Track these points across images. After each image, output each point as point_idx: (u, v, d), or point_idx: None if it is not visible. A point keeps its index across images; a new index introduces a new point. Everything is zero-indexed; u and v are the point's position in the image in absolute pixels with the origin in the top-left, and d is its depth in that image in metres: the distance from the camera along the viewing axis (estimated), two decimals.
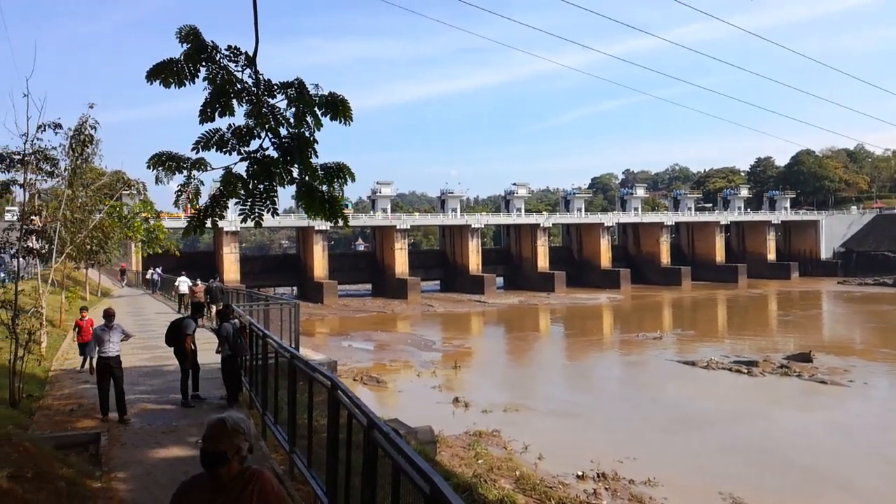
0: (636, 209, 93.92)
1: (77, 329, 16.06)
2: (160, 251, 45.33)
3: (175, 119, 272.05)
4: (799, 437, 21.92)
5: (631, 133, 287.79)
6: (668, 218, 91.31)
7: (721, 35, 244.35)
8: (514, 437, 20.61)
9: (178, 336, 12.23)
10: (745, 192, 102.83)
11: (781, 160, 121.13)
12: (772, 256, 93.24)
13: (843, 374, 31.56)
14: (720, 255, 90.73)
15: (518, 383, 32.19)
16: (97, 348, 11.30)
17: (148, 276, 45.25)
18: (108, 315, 11.57)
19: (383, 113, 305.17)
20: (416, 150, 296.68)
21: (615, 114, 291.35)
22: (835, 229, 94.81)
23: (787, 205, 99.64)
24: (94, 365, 11.41)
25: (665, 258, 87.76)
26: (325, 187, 5.80)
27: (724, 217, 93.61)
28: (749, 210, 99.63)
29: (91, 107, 19.22)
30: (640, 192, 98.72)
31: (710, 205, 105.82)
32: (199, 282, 26.84)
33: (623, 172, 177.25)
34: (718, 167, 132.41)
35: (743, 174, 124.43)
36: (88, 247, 26.97)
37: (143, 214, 40.44)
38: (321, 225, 69.06)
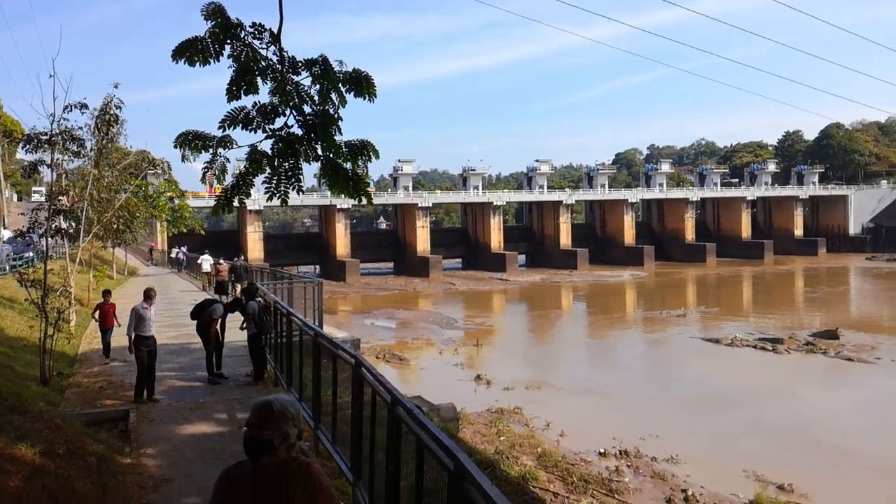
0: (661, 185, 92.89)
1: (98, 313, 14.66)
2: (185, 230, 45.91)
3: (200, 99, 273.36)
4: (826, 416, 21.73)
5: (656, 108, 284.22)
6: (694, 193, 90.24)
7: (748, 6, 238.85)
8: (536, 414, 20.68)
9: (203, 316, 12.34)
10: (772, 167, 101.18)
11: (810, 134, 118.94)
12: (799, 232, 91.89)
13: (871, 351, 31.15)
14: (746, 232, 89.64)
15: (540, 361, 32.23)
16: (137, 327, 11.18)
17: (172, 255, 45.84)
18: (150, 294, 11.62)
19: (407, 90, 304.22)
20: (438, 128, 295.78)
21: (640, 88, 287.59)
22: (864, 204, 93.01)
23: (816, 179, 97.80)
24: (133, 344, 11.16)
25: (690, 234, 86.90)
26: (349, 165, 5.81)
27: (751, 192, 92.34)
28: (776, 185, 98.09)
29: (116, 87, 19.41)
30: (665, 167, 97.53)
31: (737, 180, 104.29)
32: (222, 260, 27.09)
33: (648, 148, 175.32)
34: (745, 142, 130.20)
35: (770, 149, 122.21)
36: (115, 226, 27.36)
37: (168, 194, 40.90)
38: (343, 203, 69.25)
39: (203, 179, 5.66)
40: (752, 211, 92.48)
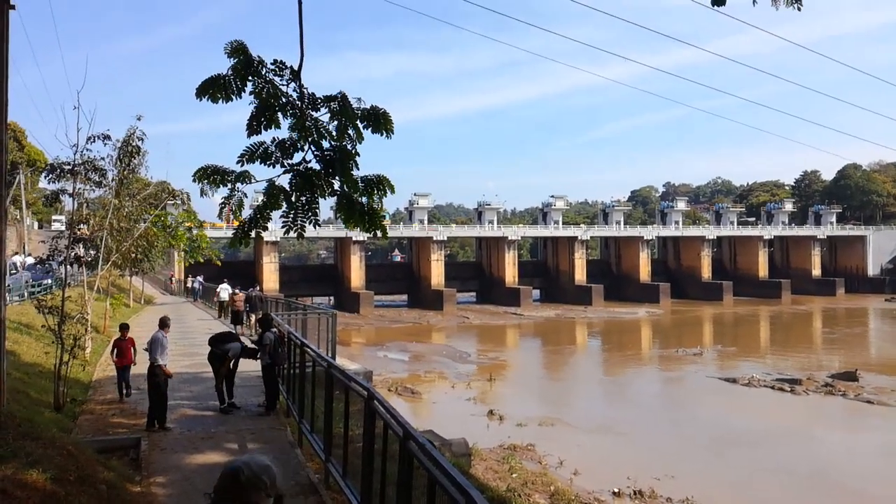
0: (677, 222, 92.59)
1: (116, 351, 13.31)
2: (202, 260, 46.22)
3: (218, 132, 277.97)
4: (845, 459, 21.26)
5: (672, 146, 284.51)
6: (710, 232, 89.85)
7: (765, 47, 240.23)
8: (549, 451, 20.41)
9: (220, 347, 12.35)
10: (789, 207, 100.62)
11: (828, 174, 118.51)
12: (817, 272, 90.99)
13: (891, 393, 30.54)
14: (763, 271, 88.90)
15: (554, 397, 31.90)
16: (161, 355, 11.29)
17: (188, 285, 46.14)
18: (166, 322, 11.98)
19: (423, 125, 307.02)
20: (454, 163, 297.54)
21: (656, 126, 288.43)
22: (883, 245, 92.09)
23: (833, 219, 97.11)
24: (160, 371, 11.21)
25: (706, 272, 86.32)
26: (364, 199, 5.88)
27: (768, 231, 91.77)
28: (793, 225, 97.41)
29: (139, 119, 19.80)
30: (681, 205, 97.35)
31: (753, 219, 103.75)
32: (238, 290, 27.24)
33: (664, 185, 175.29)
34: (762, 181, 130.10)
35: (787, 188, 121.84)
36: (133, 255, 27.62)
37: (187, 224, 41.31)
38: (359, 236, 69.61)
39: (220, 215, 5.76)
40: (769, 250, 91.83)
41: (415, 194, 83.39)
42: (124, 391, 13.19)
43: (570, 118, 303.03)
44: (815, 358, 42.52)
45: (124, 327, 13.79)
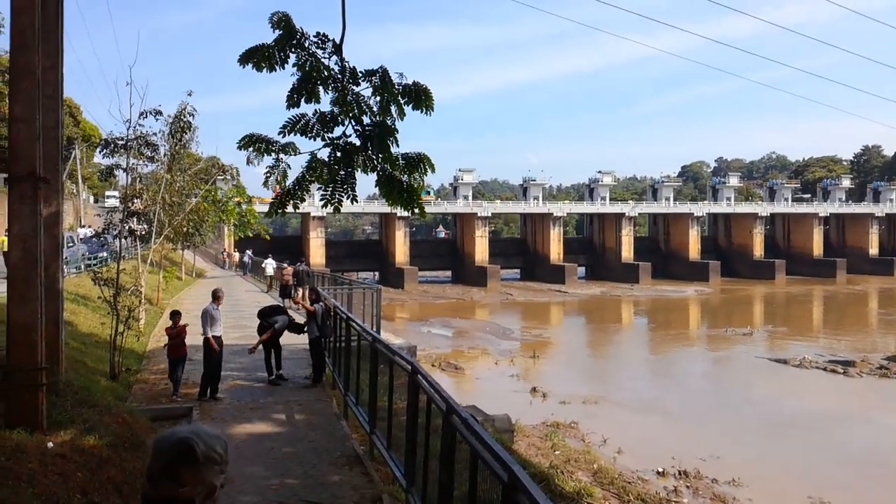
0: (728, 199, 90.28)
1: (169, 340, 11.65)
2: (251, 235, 47.06)
3: (263, 109, 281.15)
4: None
5: (725, 119, 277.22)
6: (763, 209, 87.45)
7: (821, 15, 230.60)
8: (593, 429, 20.31)
9: (268, 320, 12.58)
10: (846, 183, 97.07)
11: (890, 149, 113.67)
12: (874, 251, 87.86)
13: None
14: (818, 249, 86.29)
15: (598, 375, 31.72)
16: (212, 327, 11.37)
17: (241, 259, 47.18)
18: (218, 295, 11.86)
19: (467, 100, 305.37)
20: (499, 137, 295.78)
21: (709, 99, 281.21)
22: None
23: (893, 196, 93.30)
24: (209, 344, 11.24)
25: (758, 251, 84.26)
26: (405, 177, 5.85)
27: (823, 209, 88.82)
28: (850, 202, 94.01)
29: (189, 94, 20.15)
30: (733, 181, 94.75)
31: (809, 196, 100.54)
32: (287, 265, 27.67)
33: (715, 160, 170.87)
34: (819, 156, 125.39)
35: (845, 163, 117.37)
36: (185, 229, 28.30)
37: (237, 199, 42.05)
38: (403, 212, 69.38)
39: (266, 184, 5.81)
40: (824, 228, 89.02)
41: (459, 170, 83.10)
42: (174, 392, 11.41)
43: (619, 91, 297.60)
44: (870, 340, 41.24)
45: (175, 315, 11.90)
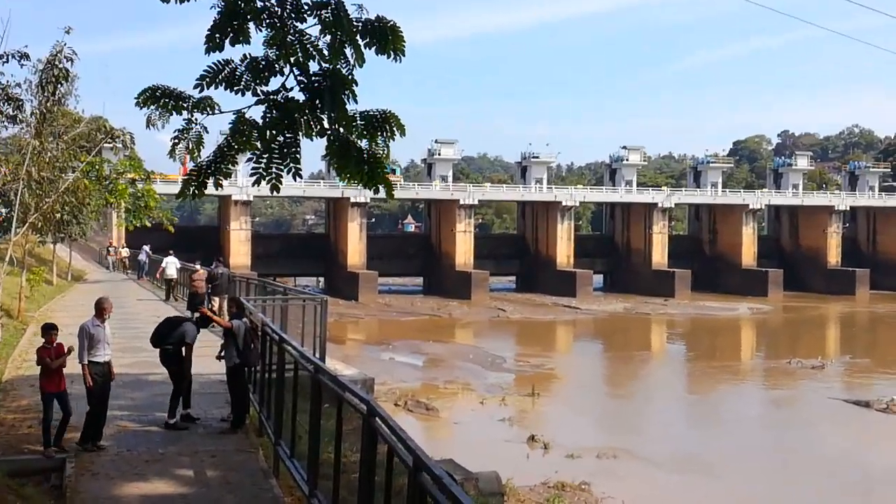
0: (795, 187, 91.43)
1: (43, 364, 10.82)
2: (149, 224, 46.61)
3: (174, 51, 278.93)
4: None
5: (792, 81, 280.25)
6: (841, 200, 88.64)
7: None
8: (611, 493, 20.43)
9: (169, 341, 12.44)
10: None
11: None
12: None
13: None
14: None
15: (618, 420, 31.88)
16: (90, 350, 11.02)
17: (124, 257, 46.78)
18: (103, 307, 11.41)
19: (450, 47, 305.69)
20: (490, 101, 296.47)
21: (770, 54, 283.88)
22: None
23: None
24: (88, 372, 10.90)
25: (834, 256, 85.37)
26: (364, 143, 5.84)
27: None
28: None
29: (67, 32, 19.84)
30: (802, 162, 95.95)
31: None
32: (199, 266, 27.44)
33: (779, 135, 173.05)
34: None
35: None
36: (59, 215, 27.90)
37: (130, 175, 41.61)
38: (358, 196, 69.84)
39: (172, 153, 5.73)
40: None
41: (436, 141, 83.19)
42: (48, 442, 10.68)
43: (651, 42, 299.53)
44: None
45: (50, 330, 11.08)
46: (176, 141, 5.73)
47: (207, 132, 5.71)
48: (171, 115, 5.57)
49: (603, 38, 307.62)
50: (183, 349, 12.32)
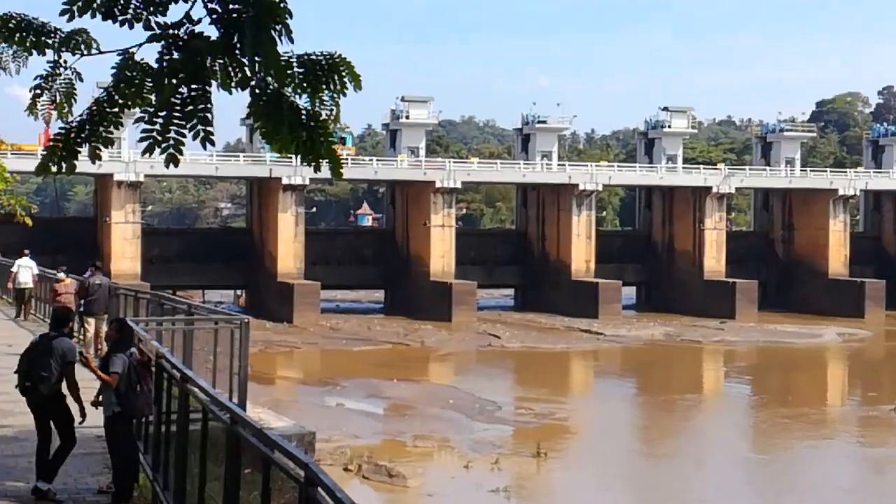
0: None
1: None
2: None
3: None
4: None
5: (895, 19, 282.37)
6: None
7: None
8: None
9: (44, 372, 12.34)
10: None
11: None
12: None
13: None
14: None
15: (657, 491, 31.99)
16: None
17: None
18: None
19: None
20: (476, 44, 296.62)
21: None
22: None
23: None
24: None
25: None
26: (303, 99, 5.78)
27: None
28: None
29: None
30: None
31: None
32: (62, 274, 27.28)
33: (880, 93, 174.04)
34: None
35: None
36: None
37: None
38: (293, 176, 69.59)
39: (32, 109, 5.65)
40: None
41: (402, 99, 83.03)
42: None
43: None
44: None
45: None
46: (37, 92, 5.65)
47: (81, 80, 5.63)
48: (31, 54, 5.49)
49: None
50: (64, 378, 12.25)
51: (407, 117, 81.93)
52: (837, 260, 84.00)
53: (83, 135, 5.78)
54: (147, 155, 5.56)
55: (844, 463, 37.14)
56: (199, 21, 5.58)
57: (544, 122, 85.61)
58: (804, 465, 36.48)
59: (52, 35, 5.49)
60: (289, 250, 72.33)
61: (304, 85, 5.76)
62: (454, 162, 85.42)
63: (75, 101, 5.70)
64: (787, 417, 44.48)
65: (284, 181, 70.90)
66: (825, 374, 58.83)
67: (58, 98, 5.64)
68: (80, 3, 5.39)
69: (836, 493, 32.34)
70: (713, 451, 39.16)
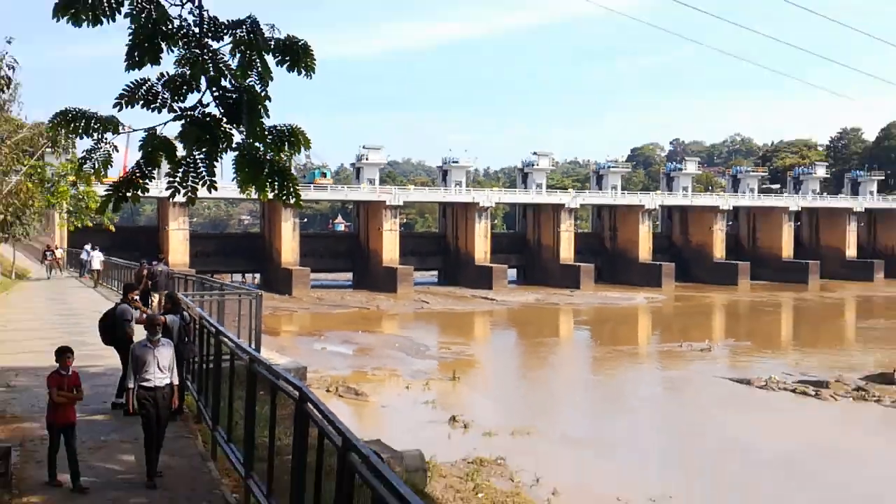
0: (685, 189, 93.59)
1: (50, 398, 8.94)
2: (90, 224, 45.21)
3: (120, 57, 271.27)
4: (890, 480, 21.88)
5: (681, 94, 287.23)
6: (725, 201, 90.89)
7: None
8: (523, 466, 20.67)
9: (114, 328, 12.27)
10: (821, 172, 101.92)
11: (871, 134, 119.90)
12: (851, 252, 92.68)
13: None
14: (787, 250, 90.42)
15: (530, 401, 32.33)
16: (136, 376, 9.35)
17: (59, 257, 45.44)
18: (65, 355, 9.10)
19: (373, 61, 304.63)
20: (413, 110, 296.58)
21: (662, 70, 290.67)
22: None
23: (874, 189, 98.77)
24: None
25: (719, 251, 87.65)
26: (269, 155, 5.69)
27: (794, 202, 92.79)
28: (825, 194, 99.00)
29: (9, 42, 19.17)
30: (691, 167, 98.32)
31: (778, 186, 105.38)
32: (145, 262, 26.82)
33: (671, 143, 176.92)
34: (790, 139, 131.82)
35: (820, 149, 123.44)
36: (2, 216, 26.99)
37: (71, 178, 40.35)
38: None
39: (79, 174, 5.52)
40: (795, 225, 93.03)
41: (364, 147, 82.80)
42: (58, 474, 8.94)
43: (559, 58, 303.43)
44: (846, 356, 43.61)
45: (64, 352, 9.09)
46: (83, 161, 5.52)
47: (117, 151, 5.50)
48: (82, 138, 5.36)
49: (517, 53, 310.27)
50: (124, 329, 12.24)
51: (367, 158, 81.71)
52: (644, 250, 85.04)
53: (124, 186, 5.68)
54: (171, 196, 5.50)
55: (650, 381, 37.82)
56: (208, 104, 5.50)
57: (457, 162, 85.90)
58: (624, 383, 37.17)
59: (97, 123, 5.35)
60: (288, 247, 71.81)
61: (272, 146, 5.69)
62: (398, 188, 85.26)
63: (111, 165, 5.57)
64: (613, 352, 45.12)
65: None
66: (637, 324, 59.94)
67: (97, 165, 5.51)
68: (126, 99, 5.28)
69: (644, 401, 32.94)
70: (567, 374, 39.76)
